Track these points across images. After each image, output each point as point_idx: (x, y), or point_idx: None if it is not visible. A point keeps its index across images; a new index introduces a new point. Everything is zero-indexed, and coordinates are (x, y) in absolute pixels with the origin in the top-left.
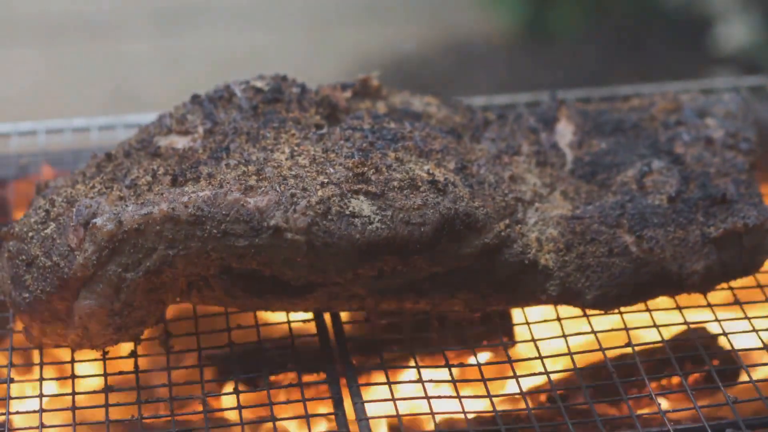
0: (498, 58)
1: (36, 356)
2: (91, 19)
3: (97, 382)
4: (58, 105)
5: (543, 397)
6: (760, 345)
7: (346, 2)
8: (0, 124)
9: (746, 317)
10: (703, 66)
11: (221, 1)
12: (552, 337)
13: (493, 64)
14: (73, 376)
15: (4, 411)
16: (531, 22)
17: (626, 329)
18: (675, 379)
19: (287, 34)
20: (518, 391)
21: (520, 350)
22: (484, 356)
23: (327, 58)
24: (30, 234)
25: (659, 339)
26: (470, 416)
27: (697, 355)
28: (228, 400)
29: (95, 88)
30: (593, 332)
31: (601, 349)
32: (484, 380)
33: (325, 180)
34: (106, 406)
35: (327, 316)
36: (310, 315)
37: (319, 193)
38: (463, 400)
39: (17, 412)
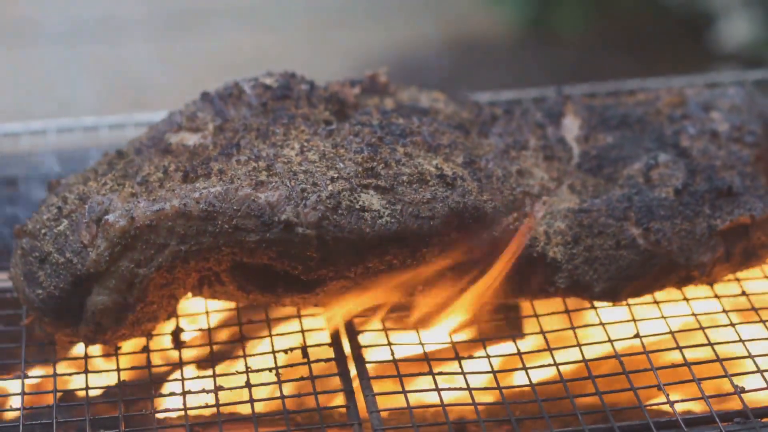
0: (502, 56)
1: (49, 352)
2: (101, 22)
3: (111, 377)
4: (67, 105)
5: (552, 388)
6: None
7: (351, 2)
8: (11, 124)
9: (753, 308)
10: (707, 62)
11: (229, 3)
12: (561, 329)
13: (497, 62)
14: (86, 371)
15: (18, 407)
16: (535, 19)
17: (634, 320)
18: (682, 370)
19: (294, 34)
20: (528, 382)
21: (530, 342)
22: (493, 349)
23: (333, 57)
24: (43, 231)
25: (667, 330)
26: (480, 408)
27: (704, 345)
28: (240, 394)
29: (105, 88)
30: (601, 323)
31: (610, 341)
32: (493, 372)
33: (335, 175)
34: (120, 400)
35: None
36: (320, 309)
37: (330, 187)
38: (473, 392)
39: (32, 407)
